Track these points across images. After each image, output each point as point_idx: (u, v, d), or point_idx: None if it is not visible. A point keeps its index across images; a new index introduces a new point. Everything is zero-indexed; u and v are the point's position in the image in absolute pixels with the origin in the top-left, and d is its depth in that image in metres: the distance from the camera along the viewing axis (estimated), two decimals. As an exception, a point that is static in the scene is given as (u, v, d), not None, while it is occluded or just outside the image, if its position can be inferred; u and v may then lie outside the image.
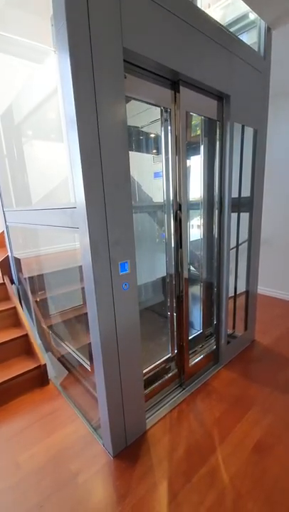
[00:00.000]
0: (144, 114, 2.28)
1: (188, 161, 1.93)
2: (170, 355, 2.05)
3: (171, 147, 1.66)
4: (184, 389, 2.05)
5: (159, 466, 1.47)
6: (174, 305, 1.95)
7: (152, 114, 2.21)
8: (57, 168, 3.26)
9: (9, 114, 2.90)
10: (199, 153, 2.01)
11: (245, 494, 1.32)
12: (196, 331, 2.34)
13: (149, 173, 2.72)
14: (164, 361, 2.00)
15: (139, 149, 2.64)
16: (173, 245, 1.84)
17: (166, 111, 1.62)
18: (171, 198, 1.76)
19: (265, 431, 1.66)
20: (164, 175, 1.75)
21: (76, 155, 1.12)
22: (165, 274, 1.97)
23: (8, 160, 2.98)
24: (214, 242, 2.14)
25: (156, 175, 2.63)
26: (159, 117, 1.69)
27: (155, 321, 2.97)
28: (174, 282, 1.91)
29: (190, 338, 2.14)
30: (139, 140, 2.59)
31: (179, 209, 1.74)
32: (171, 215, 1.80)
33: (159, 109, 1.68)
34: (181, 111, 1.59)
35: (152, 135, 2.53)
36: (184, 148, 1.67)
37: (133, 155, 2.65)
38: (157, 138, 2.42)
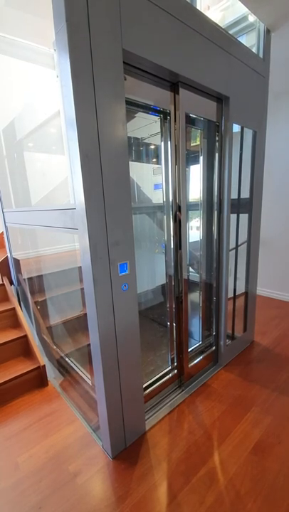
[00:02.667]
0: (146, 128, 2.40)
1: (187, 163, 1.94)
2: (170, 367, 2.06)
3: (170, 149, 1.67)
4: (183, 390, 2.04)
5: (158, 467, 1.47)
6: (174, 306, 1.96)
7: (153, 128, 2.32)
8: (57, 167, 3.28)
9: (11, 126, 2.92)
10: (199, 155, 2.02)
11: (244, 494, 1.32)
12: (196, 341, 2.34)
13: (150, 180, 2.79)
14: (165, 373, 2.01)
15: (139, 159, 2.71)
16: (172, 246, 1.85)
17: (165, 114, 1.63)
18: (171, 200, 1.77)
19: (264, 431, 1.66)
20: (163, 176, 1.75)
21: (76, 156, 1.12)
22: (163, 283, 1.97)
23: (7, 160, 2.98)
24: (214, 243, 2.15)
25: (156, 187, 2.68)
26: (159, 130, 1.71)
27: (154, 329, 2.97)
28: (173, 283, 1.91)
29: (190, 350, 2.14)
30: (140, 151, 2.67)
31: (179, 210, 1.74)
32: (171, 217, 1.80)
33: (159, 123, 1.70)
34: (180, 112, 1.59)
35: (152, 146, 2.64)
36: (184, 150, 1.67)
37: (134, 165, 2.72)
38: (157, 149, 2.51)
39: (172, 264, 1.88)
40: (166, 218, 1.85)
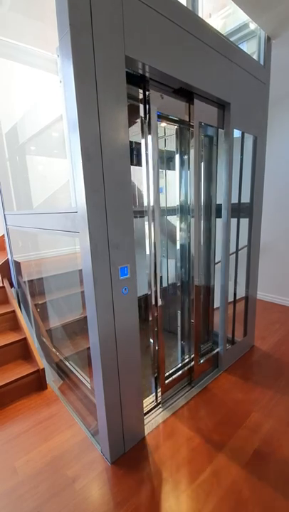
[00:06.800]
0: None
1: (179, 168, 1.95)
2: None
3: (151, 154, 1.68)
4: (183, 394, 2.03)
5: (157, 473, 1.46)
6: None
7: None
8: (58, 170, 3.29)
9: (14, 130, 2.95)
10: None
11: (244, 501, 1.30)
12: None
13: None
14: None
15: (140, 163, 2.73)
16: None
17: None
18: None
19: (265, 436, 1.65)
20: (165, 180, 1.76)
21: (78, 159, 1.13)
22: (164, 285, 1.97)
23: (10, 163, 3.00)
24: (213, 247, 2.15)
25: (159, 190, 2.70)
26: (162, 134, 1.73)
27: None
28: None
29: (190, 353, 2.13)
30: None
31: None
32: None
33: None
34: (195, 121, 1.60)
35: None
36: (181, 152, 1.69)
37: (136, 169, 2.72)
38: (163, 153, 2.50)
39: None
40: (166, 222, 1.86)
